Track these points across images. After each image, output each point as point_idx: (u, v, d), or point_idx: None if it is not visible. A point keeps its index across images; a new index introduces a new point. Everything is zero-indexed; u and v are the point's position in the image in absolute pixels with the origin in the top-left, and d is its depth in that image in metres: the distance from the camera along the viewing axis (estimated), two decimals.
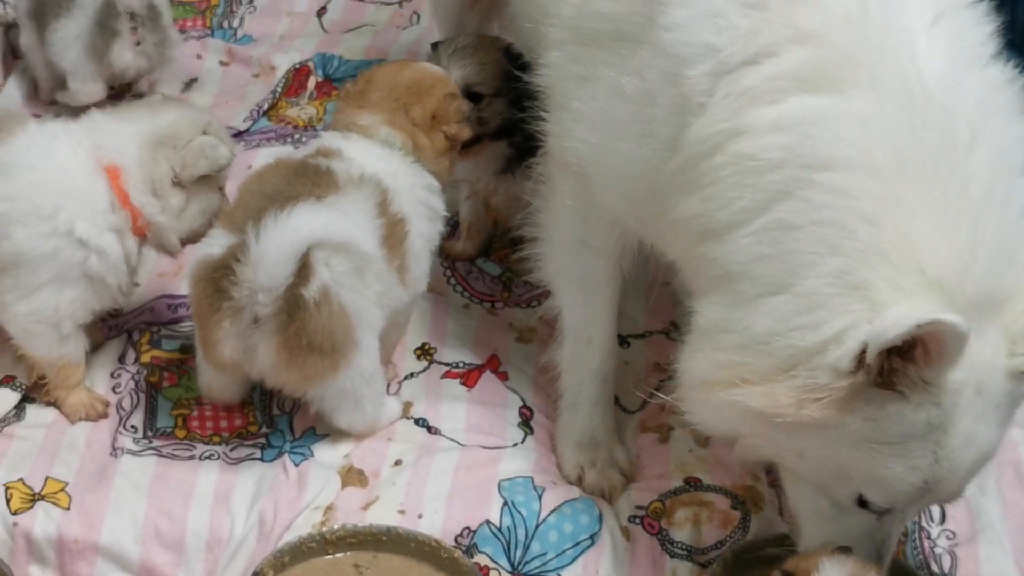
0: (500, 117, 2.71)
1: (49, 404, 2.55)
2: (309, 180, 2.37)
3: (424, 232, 2.53)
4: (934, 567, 2.46)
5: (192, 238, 2.53)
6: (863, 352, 1.84)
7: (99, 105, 2.73)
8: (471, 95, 2.68)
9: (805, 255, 1.89)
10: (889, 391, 1.88)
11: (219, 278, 2.29)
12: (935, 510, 2.55)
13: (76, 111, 2.77)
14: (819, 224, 1.89)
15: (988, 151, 1.91)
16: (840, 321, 1.86)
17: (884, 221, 1.87)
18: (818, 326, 1.87)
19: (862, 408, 1.90)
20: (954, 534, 2.51)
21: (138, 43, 3.22)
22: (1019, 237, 1.91)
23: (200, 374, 2.52)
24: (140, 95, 3.31)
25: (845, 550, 2.11)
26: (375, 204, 2.41)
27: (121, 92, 3.37)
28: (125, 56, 3.21)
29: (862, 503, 2.03)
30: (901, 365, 1.86)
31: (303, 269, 2.27)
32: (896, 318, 1.81)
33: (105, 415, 2.55)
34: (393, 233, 2.43)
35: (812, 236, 1.89)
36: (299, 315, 2.28)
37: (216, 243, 2.35)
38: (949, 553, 2.48)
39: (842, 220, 1.88)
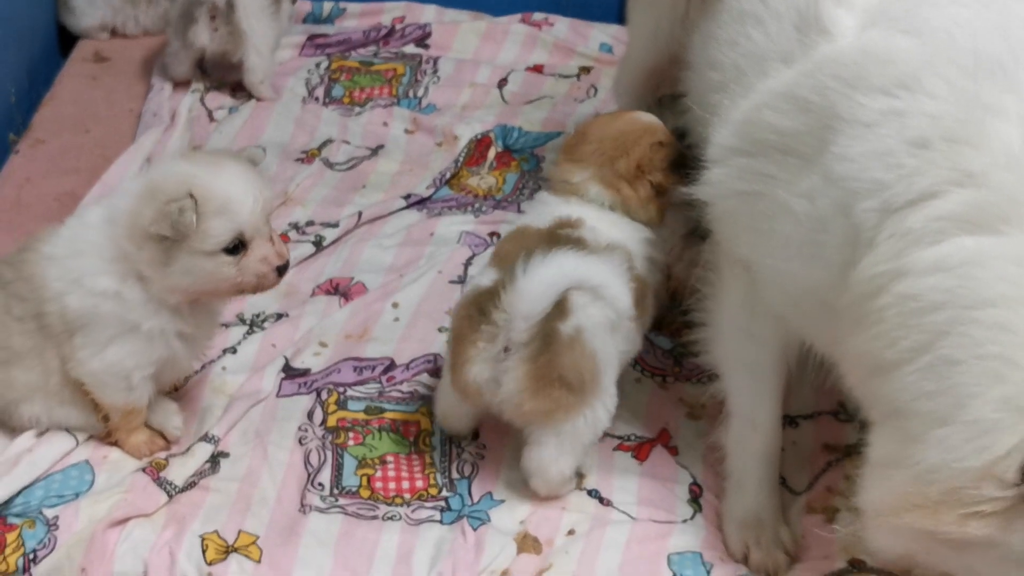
0: None
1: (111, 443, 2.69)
2: (565, 243, 2.54)
3: (651, 283, 2.70)
4: None
5: (244, 288, 2.53)
6: None
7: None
8: (682, 134, 2.79)
9: (970, 387, 1.94)
10: None
11: (483, 301, 2.48)
12: None
13: None
14: (981, 358, 1.94)
15: None
16: (1009, 440, 1.90)
17: None
18: (987, 448, 1.92)
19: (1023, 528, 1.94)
20: None
21: (215, 29, 3.74)
22: None
23: (439, 401, 2.69)
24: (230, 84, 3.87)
25: None
26: (627, 268, 2.58)
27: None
28: (201, 37, 3.76)
29: None
30: None
31: (561, 306, 2.45)
32: None
33: (166, 448, 2.69)
34: (640, 294, 2.62)
35: (975, 369, 1.94)
36: (552, 347, 2.46)
37: (486, 277, 2.56)
38: None
39: (1004, 353, 1.93)
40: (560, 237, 2.58)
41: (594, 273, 2.49)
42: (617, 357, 2.59)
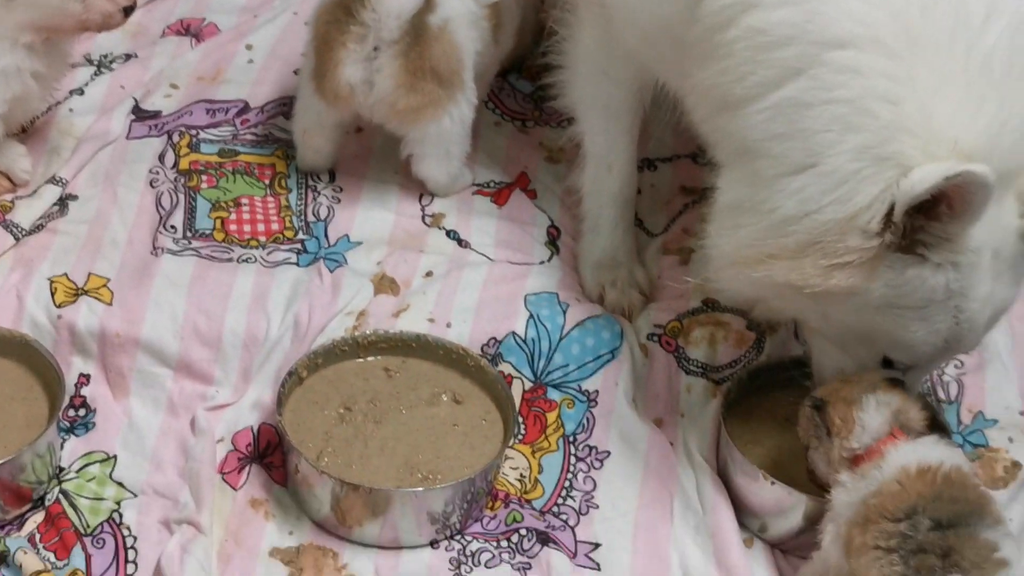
0: None
1: None
2: None
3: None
4: (940, 394, 2.55)
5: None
6: (890, 212, 1.90)
7: None
8: None
9: (822, 134, 1.94)
10: (911, 255, 1.95)
11: (348, 3, 2.49)
12: None
13: None
14: (831, 103, 1.93)
15: (1006, 24, 1.93)
16: (872, 190, 1.91)
17: (903, 100, 1.91)
18: (849, 199, 1.92)
19: (885, 274, 1.97)
20: (962, 363, 2.59)
21: None
22: None
23: (300, 117, 2.68)
24: None
25: (897, 382, 2.16)
26: None
27: None
28: None
29: (886, 363, 2.11)
30: (925, 223, 1.92)
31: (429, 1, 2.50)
32: (925, 173, 1.87)
33: (12, 190, 2.64)
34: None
35: (826, 115, 1.93)
36: (423, 40, 2.50)
37: None
38: (956, 381, 2.57)
39: (856, 99, 1.91)
40: None
41: None
42: (473, 56, 2.62)
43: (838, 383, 2.16)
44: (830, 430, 2.11)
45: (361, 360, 2.43)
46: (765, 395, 2.44)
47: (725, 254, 2.10)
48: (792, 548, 2.29)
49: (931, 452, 2.05)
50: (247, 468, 2.33)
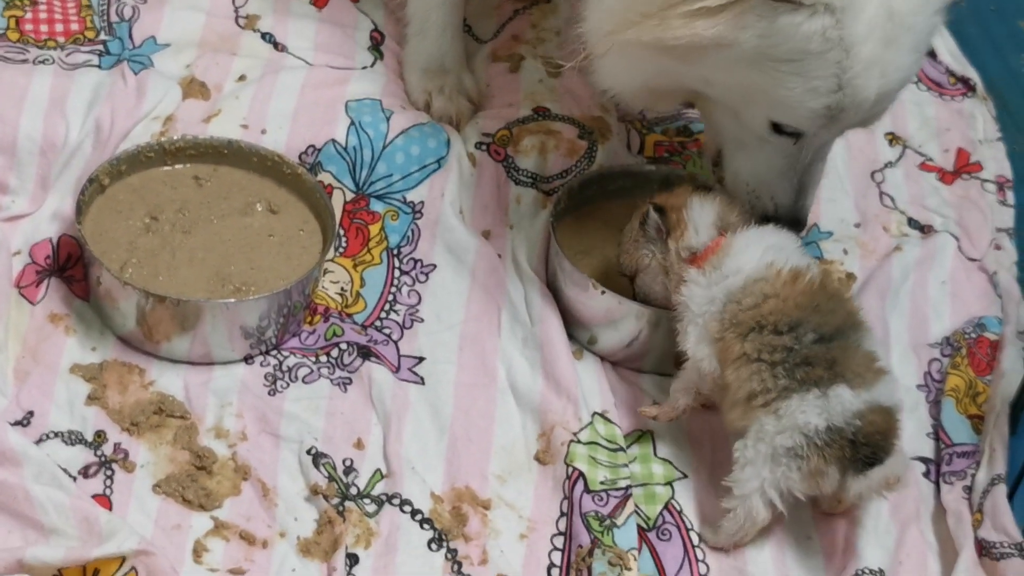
0: None
1: None
2: None
3: None
4: None
5: None
6: None
7: None
8: None
9: None
10: (781, 2, 1.86)
11: None
12: None
13: None
14: None
15: None
16: None
17: None
18: None
19: (755, 24, 1.88)
20: None
21: None
22: None
23: None
24: None
25: (708, 188, 2.15)
26: None
27: None
28: None
29: (776, 129, 2.03)
30: None
31: None
32: None
33: None
34: None
35: None
36: None
37: None
38: None
39: None
40: None
41: None
42: None
43: (663, 195, 2.12)
44: (670, 233, 2.06)
45: (169, 167, 2.28)
46: (596, 205, 2.36)
47: (598, 27, 2.02)
48: (622, 360, 2.23)
49: (772, 239, 2.03)
50: (46, 281, 2.18)
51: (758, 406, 1.94)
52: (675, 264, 2.08)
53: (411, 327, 2.23)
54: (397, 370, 2.16)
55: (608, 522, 2.00)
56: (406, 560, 1.96)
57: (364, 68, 2.48)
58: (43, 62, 2.35)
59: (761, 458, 1.94)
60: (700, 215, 2.07)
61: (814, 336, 1.94)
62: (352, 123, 2.36)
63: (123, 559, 1.84)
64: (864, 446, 1.90)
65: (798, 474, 1.93)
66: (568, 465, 2.06)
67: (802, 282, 1.98)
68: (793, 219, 2.12)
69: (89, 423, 2.04)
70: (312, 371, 2.15)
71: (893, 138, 2.66)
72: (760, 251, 2.01)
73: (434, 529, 1.99)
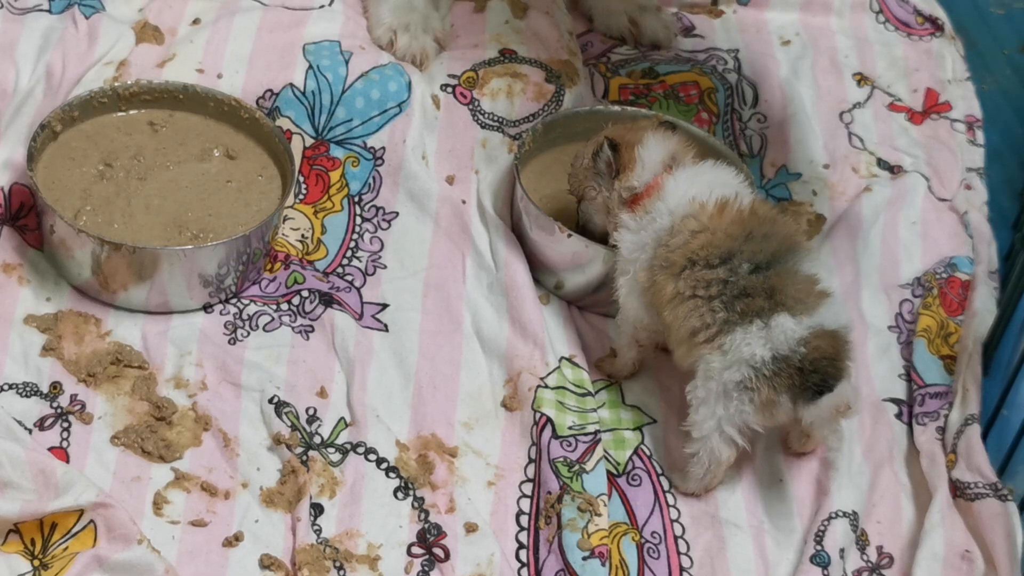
0: None
1: None
2: None
3: None
4: (743, 147, 2.46)
5: None
6: None
7: None
8: None
9: None
10: None
11: None
12: (748, 92, 2.53)
13: None
14: None
15: None
16: None
17: None
18: None
19: None
20: (765, 117, 2.50)
21: None
22: None
23: None
24: None
25: (670, 126, 2.10)
26: None
27: None
28: None
29: None
30: None
31: None
32: None
33: None
34: None
35: None
36: None
37: None
38: (759, 135, 2.48)
39: None
40: None
41: None
42: None
43: (620, 128, 2.08)
44: (619, 173, 2.02)
45: (123, 113, 2.22)
46: (561, 148, 2.31)
47: None
48: (590, 305, 2.19)
49: (707, 176, 1.99)
50: None
51: (701, 342, 1.90)
52: (615, 206, 2.04)
53: (374, 274, 2.18)
54: (360, 317, 2.12)
55: (577, 468, 1.96)
56: (372, 509, 1.92)
57: (322, 7, 2.41)
58: None
59: (713, 396, 1.91)
60: (651, 153, 2.02)
61: (749, 266, 1.89)
62: (310, 67, 2.30)
63: (81, 512, 1.79)
64: (813, 373, 1.86)
65: (751, 407, 1.89)
66: (536, 411, 2.03)
67: (730, 212, 1.93)
68: None
69: (44, 374, 1.99)
70: (273, 319, 2.10)
71: (861, 78, 2.62)
72: (693, 189, 1.96)
73: (400, 477, 1.95)
